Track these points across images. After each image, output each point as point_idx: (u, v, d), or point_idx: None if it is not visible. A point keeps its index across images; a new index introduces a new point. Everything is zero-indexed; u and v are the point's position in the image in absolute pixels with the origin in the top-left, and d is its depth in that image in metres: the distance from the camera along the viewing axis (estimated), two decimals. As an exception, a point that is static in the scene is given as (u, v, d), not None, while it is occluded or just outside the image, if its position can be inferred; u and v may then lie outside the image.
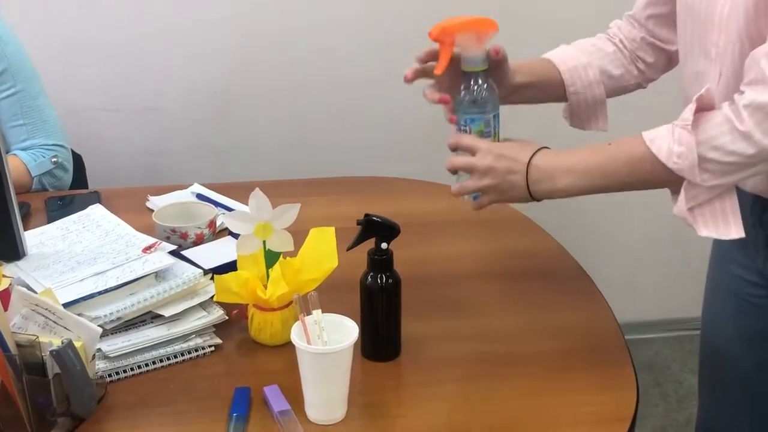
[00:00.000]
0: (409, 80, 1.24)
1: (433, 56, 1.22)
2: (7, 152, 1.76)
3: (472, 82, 1.20)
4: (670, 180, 1.09)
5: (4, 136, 1.78)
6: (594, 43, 1.39)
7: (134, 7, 2.14)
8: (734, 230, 1.09)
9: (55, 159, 1.79)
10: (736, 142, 1.03)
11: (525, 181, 1.15)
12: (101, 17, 2.14)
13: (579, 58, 1.35)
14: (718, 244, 1.39)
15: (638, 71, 1.38)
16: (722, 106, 1.06)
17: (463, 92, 1.20)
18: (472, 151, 1.18)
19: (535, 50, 1.38)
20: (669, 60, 1.38)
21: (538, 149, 1.16)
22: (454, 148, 1.21)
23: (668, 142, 1.07)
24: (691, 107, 1.06)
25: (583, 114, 1.38)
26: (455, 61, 1.21)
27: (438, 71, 1.20)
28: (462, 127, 1.21)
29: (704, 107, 1.06)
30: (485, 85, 1.20)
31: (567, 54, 1.36)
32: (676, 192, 1.10)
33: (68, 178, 1.85)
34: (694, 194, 1.08)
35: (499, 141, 1.22)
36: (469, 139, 1.19)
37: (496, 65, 1.24)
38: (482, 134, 1.20)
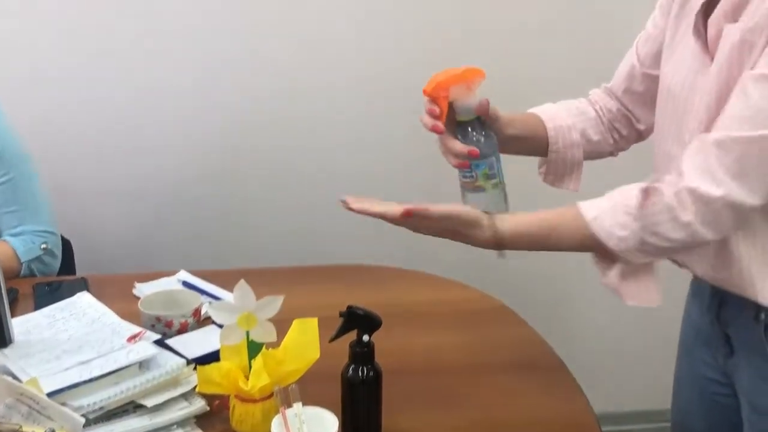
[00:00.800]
0: (430, 128, 1.24)
1: (434, 116, 1.24)
2: None
3: (470, 130, 1.24)
4: (603, 252, 1.14)
5: None
6: (578, 106, 1.43)
7: (124, 94, 2.20)
8: (656, 298, 1.16)
9: (44, 246, 1.81)
10: (675, 231, 1.08)
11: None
12: (93, 103, 2.19)
13: (565, 119, 1.39)
14: (682, 341, 1.41)
15: (613, 140, 1.43)
16: (663, 189, 1.10)
17: (462, 142, 1.24)
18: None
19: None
20: (639, 135, 1.43)
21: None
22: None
23: (610, 223, 1.11)
24: (638, 194, 1.10)
25: (559, 172, 1.41)
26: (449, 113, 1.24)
27: (440, 129, 1.23)
28: (468, 174, 1.24)
29: (648, 192, 1.11)
30: (482, 131, 1.24)
31: (555, 113, 1.40)
32: (601, 259, 1.15)
33: (57, 264, 1.87)
34: (623, 268, 1.14)
35: (502, 182, 1.26)
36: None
37: (487, 118, 1.28)
38: (487, 177, 1.24)
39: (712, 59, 1.13)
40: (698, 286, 1.32)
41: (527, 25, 2.26)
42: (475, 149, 1.23)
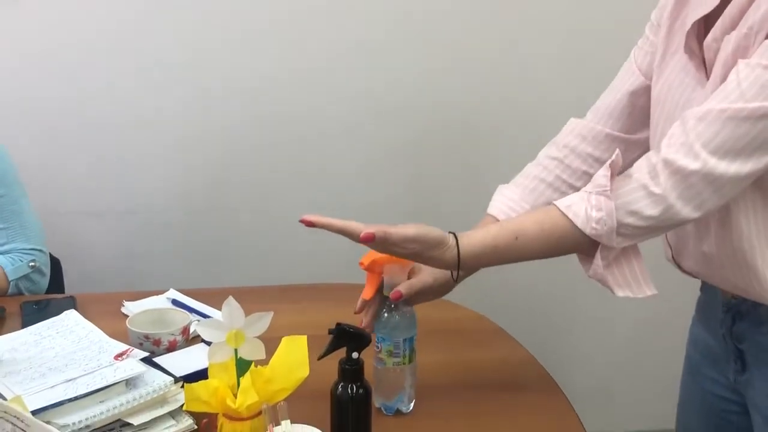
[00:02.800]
0: (357, 313, 1.31)
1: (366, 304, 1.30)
2: None
3: (390, 307, 1.27)
4: (578, 246, 1.13)
5: None
6: (536, 175, 1.37)
7: (116, 114, 2.20)
8: (647, 288, 1.13)
9: (32, 263, 1.80)
10: (651, 207, 1.07)
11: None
12: (84, 124, 2.20)
13: (523, 206, 1.34)
14: (688, 358, 1.40)
15: (581, 185, 1.37)
16: (636, 169, 1.09)
17: (383, 312, 1.28)
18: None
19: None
20: (629, 150, 1.38)
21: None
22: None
23: (585, 208, 1.10)
24: (605, 173, 1.09)
25: None
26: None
27: (367, 296, 1.28)
28: (376, 343, 1.28)
29: (615, 172, 1.10)
30: (400, 312, 1.27)
31: (508, 204, 1.35)
32: (586, 256, 1.14)
33: (45, 282, 1.86)
34: (605, 255, 1.12)
35: (409, 364, 1.28)
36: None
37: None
38: (391, 354, 1.27)
39: (708, 76, 1.13)
40: (708, 304, 1.31)
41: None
42: (369, 322, 1.29)
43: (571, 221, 1.11)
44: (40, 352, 1.37)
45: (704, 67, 1.15)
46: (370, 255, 1.27)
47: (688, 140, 1.05)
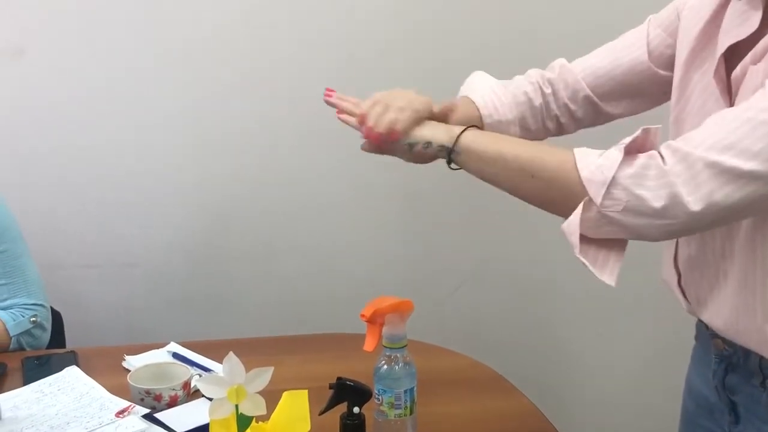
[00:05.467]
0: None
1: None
2: None
3: (390, 358, 1.28)
4: (567, 186, 1.07)
5: None
6: (526, 92, 1.38)
7: (114, 169, 2.22)
8: (607, 275, 1.08)
9: (34, 319, 1.81)
10: (652, 179, 1.01)
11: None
12: (84, 177, 2.22)
13: (506, 113, 1.35)
14: (684, 408, 1.39)
15: (554, 127, 1.40)
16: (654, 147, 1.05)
17: (382, 364, 1.28)
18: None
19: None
20: (596, 118, 1.39)
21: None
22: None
23: (594, 154, 1.07)
24: (635, 135, 1.05)
25: None
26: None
27: (369, 348, 1.28)
28: (377, 396, 1.27)
29: (647, 143, 1.05)
30: (401, 363, 1.28)
31: (496, 105, 1.35)
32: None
33: (46, 336, 1.86)
34: (587, 219, 1.05)
35: (410, 416, 1.28)
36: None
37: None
38: (392, 406, 1.27)
39: (732, 103, 1.10)
40: (703, 354, 1.30)
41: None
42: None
43: (573, 156, 1.07)
44: (42, 409, 1.37)
45: (729, 93, 1.13)
46: (372, 306, 1.28)
47: (706, 131, 1.01)
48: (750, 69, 1.07)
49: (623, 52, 1.34)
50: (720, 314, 1.18)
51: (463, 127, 1.21)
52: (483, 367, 1.65)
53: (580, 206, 1.05)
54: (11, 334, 1.78)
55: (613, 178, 1.03)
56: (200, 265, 2.30)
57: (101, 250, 2.26)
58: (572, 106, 1.38)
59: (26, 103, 2.17)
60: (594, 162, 1.05)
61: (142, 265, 2.28)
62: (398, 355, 1.27)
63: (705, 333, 1.26)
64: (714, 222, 1.05)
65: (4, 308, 1.80)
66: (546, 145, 1.17)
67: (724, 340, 1.20)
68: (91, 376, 1.52)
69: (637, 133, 1.05)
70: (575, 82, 1.38)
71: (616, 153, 1.04)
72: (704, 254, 1.19)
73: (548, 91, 1.39)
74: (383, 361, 1.28)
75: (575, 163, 1.07)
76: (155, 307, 2.30)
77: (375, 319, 1.29)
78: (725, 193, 1.00)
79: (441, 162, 1.25)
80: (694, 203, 1.00)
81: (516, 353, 2.29)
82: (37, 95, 2.17)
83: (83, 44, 2.15)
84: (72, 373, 1.50)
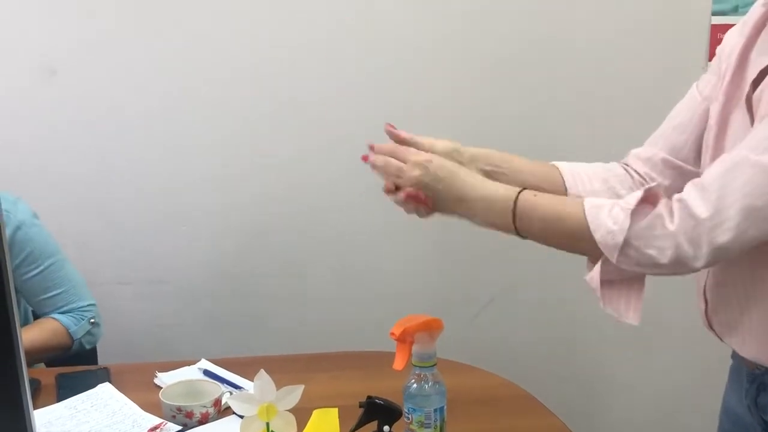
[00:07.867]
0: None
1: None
2: (43, 316, 1.85)
3: (420, 376, 1.27)
4: (584, 248, 1.13)
5: (37, 307, 1.87)
6: (602, 165, 1.38)
7: (146, 188, 2.25)
8: (632, 315, 1.13)
9: (93, 320, 1.88)
10: (659, 239, 1.06)
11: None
12: (116, 199, 2.25)
13: (585, 169, 1.36)
14: (721, 428, 1.38)
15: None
16: (662, 203, 1.08)
17: (412, 382, 1.27)
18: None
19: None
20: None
21: None
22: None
23: (605, 215, 1.10)
24: (638, 195, 1.08)
25: None
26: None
27: (398, 367, 1.27)
28: (407, 414, 1.27)
29: (650, 199, 1.09)
30: (431, 381, 1.27)
31: (572, 164, 1.37)
32: (592, 261, 1.13)
33: (101, 332, 1.92)
34: (607, 270, 1.11)
35: None
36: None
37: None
38: (422, 425, 1.26)
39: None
40: (737, 373, 1.29)
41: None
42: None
43: (586, 220, 1.11)
44: (75, 426, 1.39)
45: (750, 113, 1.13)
46: (401, 325, 1.28)
47: (704, 184, 1.05)
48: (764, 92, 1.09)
49: (688, 121, 1.31)
50: (746, 341, 1.19)
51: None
52: (513, 386, 1.64)
53: (599, 264, 1.12)
54: (75, 338, 1.84)
55: (624, 241, 1.08)
56: (231, 283, 2.32)
57: (133, 267, 2.29)
58: (671, 159, 1.33)
59: (58, 122, 2.20)
60: (605, 225, 1.10)
61: (173, 283, 2.30)
62: (428, 373, 1.27)
63: (737, 353, 1.25)
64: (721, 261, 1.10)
65: (62, 313, 1.85)
66: (560, 200, 1.20)
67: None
68: (123, 393, 1.54)
69: (640, 194, 1.09)
70: (652, 155, 1.34)
71: (623, 217, 1.08)
72: (732, 281, 1.19)
73: (631, 169, 1.37)
74: (413, 380, 1.28)
75: (588, 226, 1.11)
76: (186, 324, 2.32)
77: (405, 338, 1.29)
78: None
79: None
80: (697, 260, 1.06)
81: (546, 373, 2.28)
82: (68, 115, 2.20)
83: (115, 65, 2.18)
84: (105, 389, 1.52)
